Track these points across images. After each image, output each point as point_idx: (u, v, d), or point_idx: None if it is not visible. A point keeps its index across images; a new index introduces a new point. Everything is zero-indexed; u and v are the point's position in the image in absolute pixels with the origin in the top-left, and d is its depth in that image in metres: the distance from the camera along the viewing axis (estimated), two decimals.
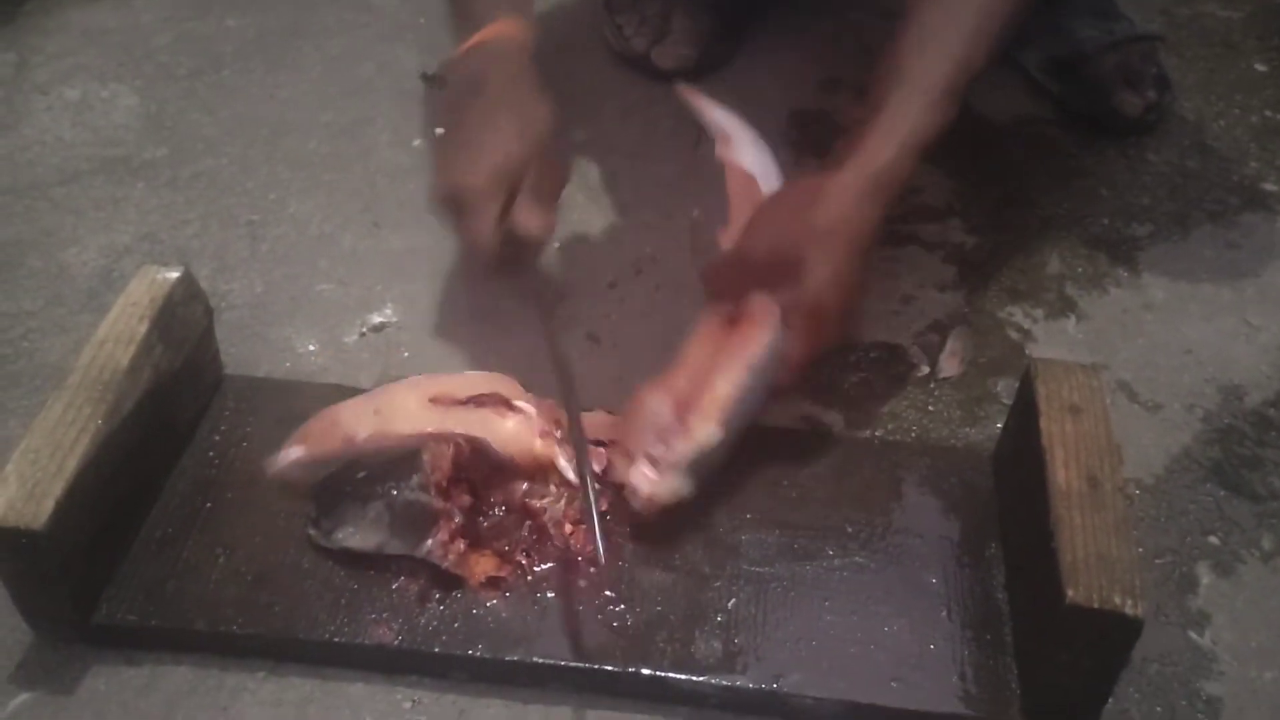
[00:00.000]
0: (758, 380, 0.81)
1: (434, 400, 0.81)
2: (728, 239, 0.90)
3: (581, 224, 1.10)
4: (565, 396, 0.83)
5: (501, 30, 0.93)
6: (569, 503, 0.80)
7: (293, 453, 0.81)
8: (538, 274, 0.93)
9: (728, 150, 0.99)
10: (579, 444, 0.80)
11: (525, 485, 0.80)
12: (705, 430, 0.79)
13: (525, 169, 0.87)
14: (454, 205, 0.87)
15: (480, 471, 0.80)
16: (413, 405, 0.81)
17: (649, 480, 0.79)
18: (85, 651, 0.77)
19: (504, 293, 1.00)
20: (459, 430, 0.79)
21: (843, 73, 1.28)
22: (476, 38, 0.93)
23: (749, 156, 0.97)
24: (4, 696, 0.75)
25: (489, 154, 0.87)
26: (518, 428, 0.80)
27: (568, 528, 0.79)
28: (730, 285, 0.87)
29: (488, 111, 0.89)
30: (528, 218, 0.86)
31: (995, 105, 1.26)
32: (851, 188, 0.84)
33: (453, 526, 0.77)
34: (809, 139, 1.20)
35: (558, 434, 0.81)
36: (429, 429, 0.79)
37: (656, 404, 0.81)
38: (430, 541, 0.76)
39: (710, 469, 0.81)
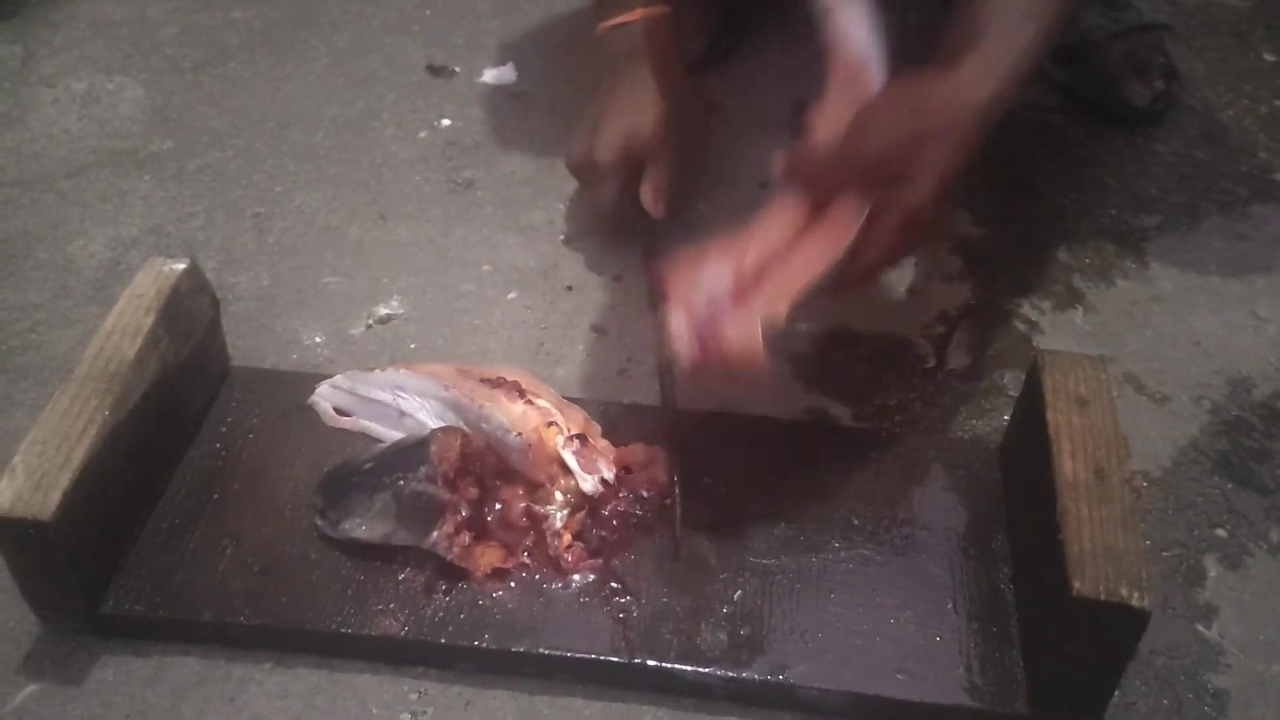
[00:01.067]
0: (825, 280, 0.77)
1: (460, 371, 0.85)
2: (824, 125, 0.84)
3: (589, 216, 1.10)
4: (663, 383, 0.89)
5: (650, 14, 1.02)
6: (571, 514, 0.79)
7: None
8: (653, 244, 1.01)
9: (837, 25, 0.88)
10: (671, 444, 0.83)
11: (527, 491, 0.80)
12: (773, 311, 0.74)
13: (652, 148, 1.00)
14: (584, 173, 1.02)
15: (488, 465, 0.80)
16: (439, 366, 0.87)
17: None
18: (93, 642, 0.77)
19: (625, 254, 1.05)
20: (469, 399, 0.82)
21: None
22: (625, 16, 1.02)
23: (861, 36, 0.87)
24: (12, 687, 0.75)
25: (620, 131, 0.99)
26: (526, 411, 0.80)
27: (566, 538, 0.79)
28: (825, 177, 0.81)
29: (627, 90, 1.01)
30: (647, 194, 1.00)
31: None
32: (970, 92, 0.81)
33: (458, 519, 0.77)
34: None
35: (571, 435, 0.81)
36: (445, 383, 0.84)
37: (716, 271, 0.76)
38: (436, 533, 0.76)
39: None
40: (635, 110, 1.00)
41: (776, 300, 0.74)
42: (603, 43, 1.04)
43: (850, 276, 0.79)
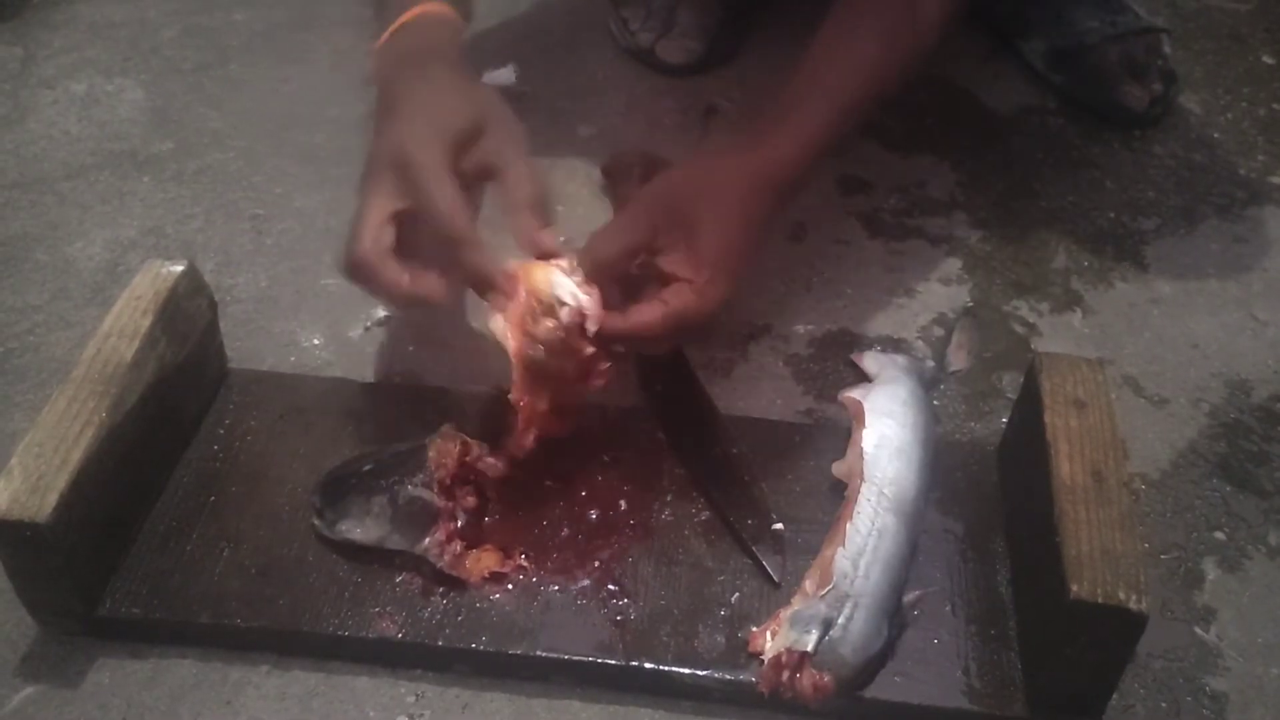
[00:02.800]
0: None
1: None
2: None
3: (587, 219, 1.10)
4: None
5: (430, 10, 0.87)
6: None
7: None
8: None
9: None
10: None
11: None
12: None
13: (471, 135, 0.79)
14: (402, 175, 0.78)
15: (488, 474, 0.81)
16: None
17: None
18: (89, 645, 0.77)
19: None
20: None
21: None
22: (405, 17, 0.87)
23: None
24: (8, 690, 0.75)
25: (429, 123, 0.79)
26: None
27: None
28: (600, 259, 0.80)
29: (407, 112, 0.81)
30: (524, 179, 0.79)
31: (998, 96, 1.26)
32: (752, 174, 0.83)
33: (450, 528, 0.77)
34: None
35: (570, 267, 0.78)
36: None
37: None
38: (428, 540, 0.76)
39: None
40: (438, 102, 0.80)
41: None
42: (383, 52, 0.86)
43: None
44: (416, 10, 0.87)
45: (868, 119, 0.97)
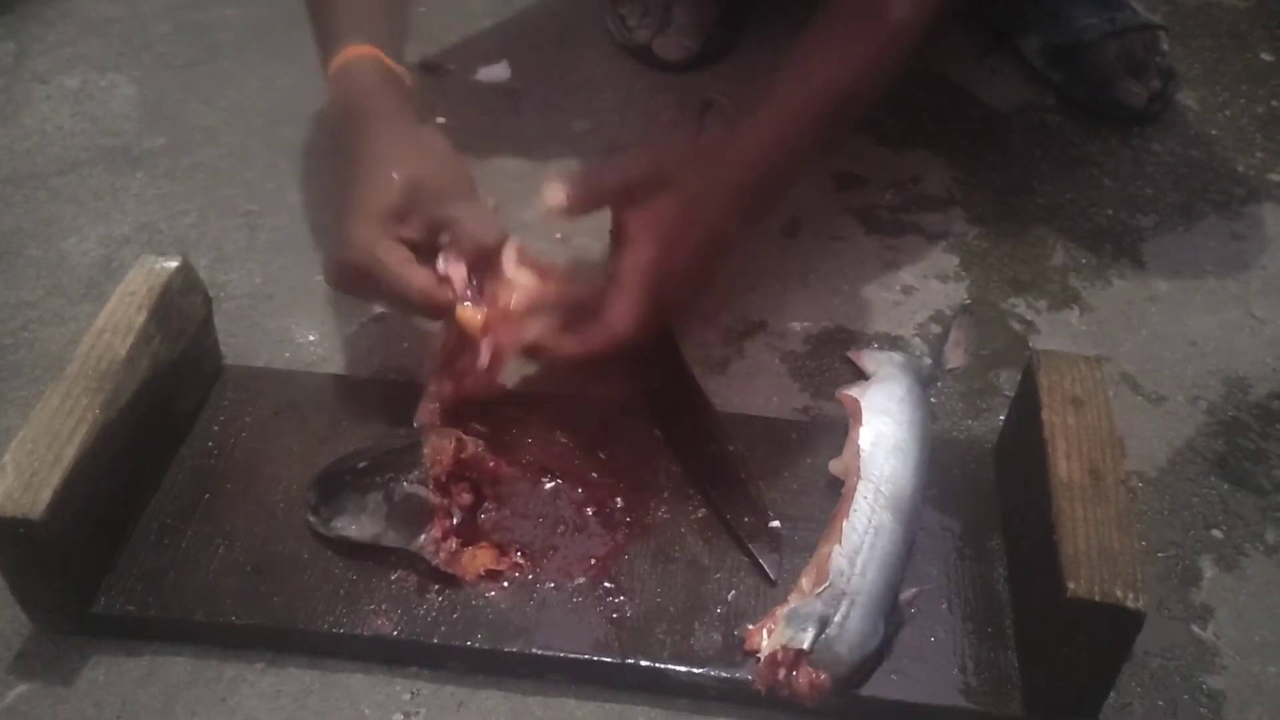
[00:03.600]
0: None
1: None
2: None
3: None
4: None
5: (361, 52, 0.85)
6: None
7: None
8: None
9: None
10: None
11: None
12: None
13: (431, 193, 0.80)
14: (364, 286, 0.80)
15: (484, 471, 0.80)
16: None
17: None
18: (84, 642, 0.77)
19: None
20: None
21: None
22: (339, 59, 0.85)
23: None
24: (3, 687, 0.74)
25: (381, 191, 0.79)
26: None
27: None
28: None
29: (359, 161, 0.81)
30: (476, 225, 0.80)
31: (996, 93, 1.26)
32: (705, 183, 0.86)
33: (446, 525, 0.76)
34: None
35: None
36: None
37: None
38: (424, 537, 0.76)
39: None
40: (392, 161, 0.80)
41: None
42: (332, 99, 0.86)
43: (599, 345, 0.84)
44: (349, 52, 0.85)
45: (845, 123, 0.97)
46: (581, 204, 0.85)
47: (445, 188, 0.81)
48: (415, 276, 0.77)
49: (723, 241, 0.88)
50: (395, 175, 0.79)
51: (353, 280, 0.80)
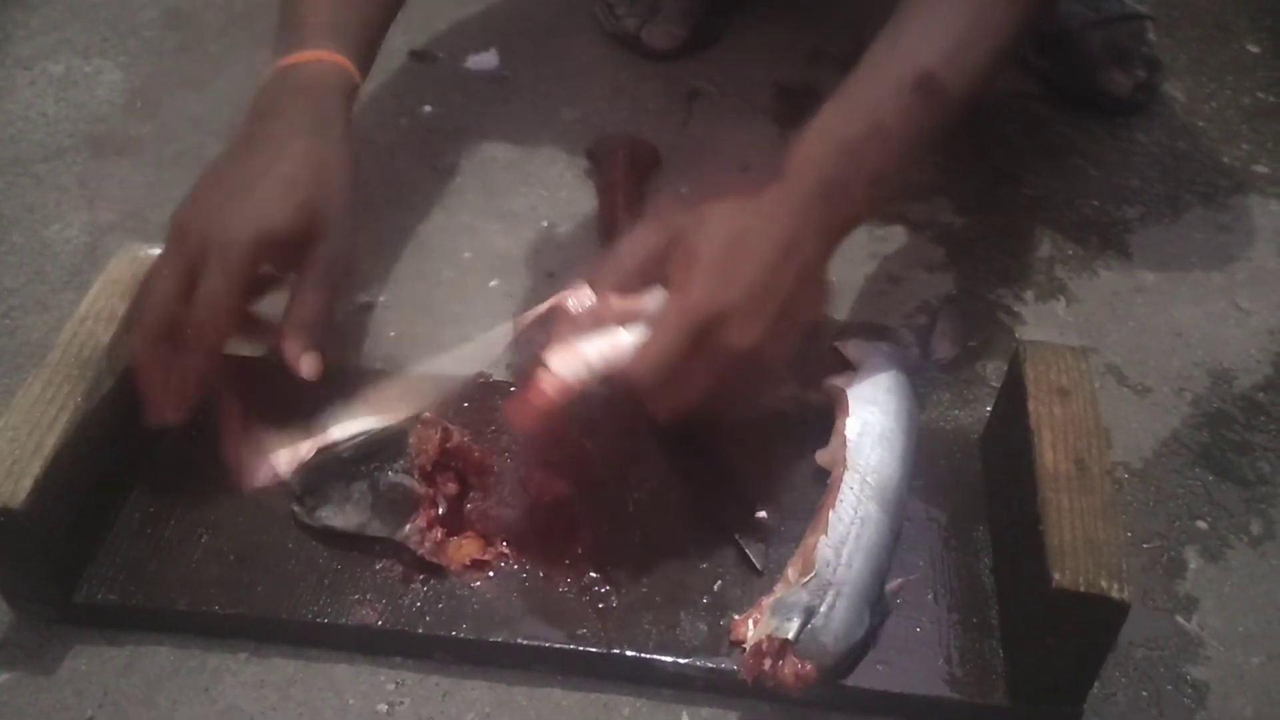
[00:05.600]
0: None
1: None
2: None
3: (571, 203, 1.09)
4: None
5: (319, 58, 0.83)
6: None
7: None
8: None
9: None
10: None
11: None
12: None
13: (299, 236, 0.77)
14: (189, 250, 0.75)
15: (470, 460, 0.80)
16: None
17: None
18: (66, 631, 0.76)
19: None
20: None
21: (831, 47, 1.28)
22: (295, 57, 0.83)
23: None
24: None
25: (263, 201, 0.76)
26: None
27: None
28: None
29: (268, 154, 0.78)
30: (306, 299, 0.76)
31: None
32: (790, 200, 0.72)
33: (431, 515, 0.76)
34: (793, 112, 1.20)
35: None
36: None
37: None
38: (409, 526, 0.76)
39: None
40: (287, 175, 0.77)
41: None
42: (263, 86, 0.84)
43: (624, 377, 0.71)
44: (309, 55, 0.83)
45: (977, 96, 0.79)
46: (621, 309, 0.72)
47: (321, 234, 0.78)
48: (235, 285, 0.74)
49: (807, 265, 0.72)
50: (292, 200, 0.77)
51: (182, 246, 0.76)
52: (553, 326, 0.73)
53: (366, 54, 0.90)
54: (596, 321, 0.72)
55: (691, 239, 0.71)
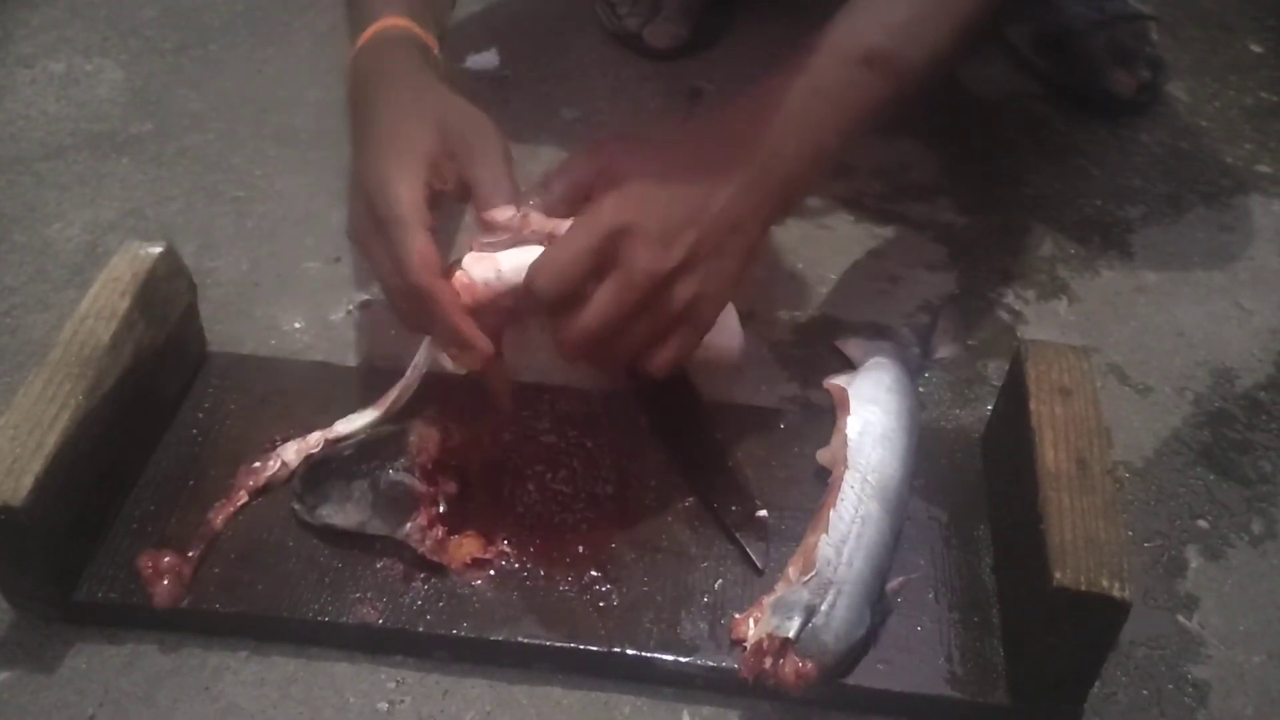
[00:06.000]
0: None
1: None
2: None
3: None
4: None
5: (395, 24, 0.81)
6: None
7: None
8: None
9: None
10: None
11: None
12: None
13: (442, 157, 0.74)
14: (363, 251, 0.73)
15: (470, 459, 0.80)
16: None
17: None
18: (66, 630, 0.76)
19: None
20: None
21: None
22: (371, 30, 0.81)
23: None
24: None
25: (371, 191, 0.72)
26: None
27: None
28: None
29: (370, 130, 0.75)
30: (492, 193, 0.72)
31: (984, 81, 1.26)
32: (726, 157, 0.72)
33: (432, 513, 0.76)
34: None
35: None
36: None
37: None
38: (409, 525, 0.76)
39: None
40: (412, 122, 0.74)
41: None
42: (348, 74, 0.82)
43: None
44: (381, 23, 0.82)
45: (934, 72, 0.79)
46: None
47: (476, 146, 0.75)
48: (422, 243, 0.70)
49: (737, 218, 0.72)
50: (431, 122, 0.74)
51: (363, 231, 0.73)
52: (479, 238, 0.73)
53: (436, 22, 0.88)
54: (517, 238, 0.72)
55: (619, 168, 0.71)
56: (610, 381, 0.88)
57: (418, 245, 0.70)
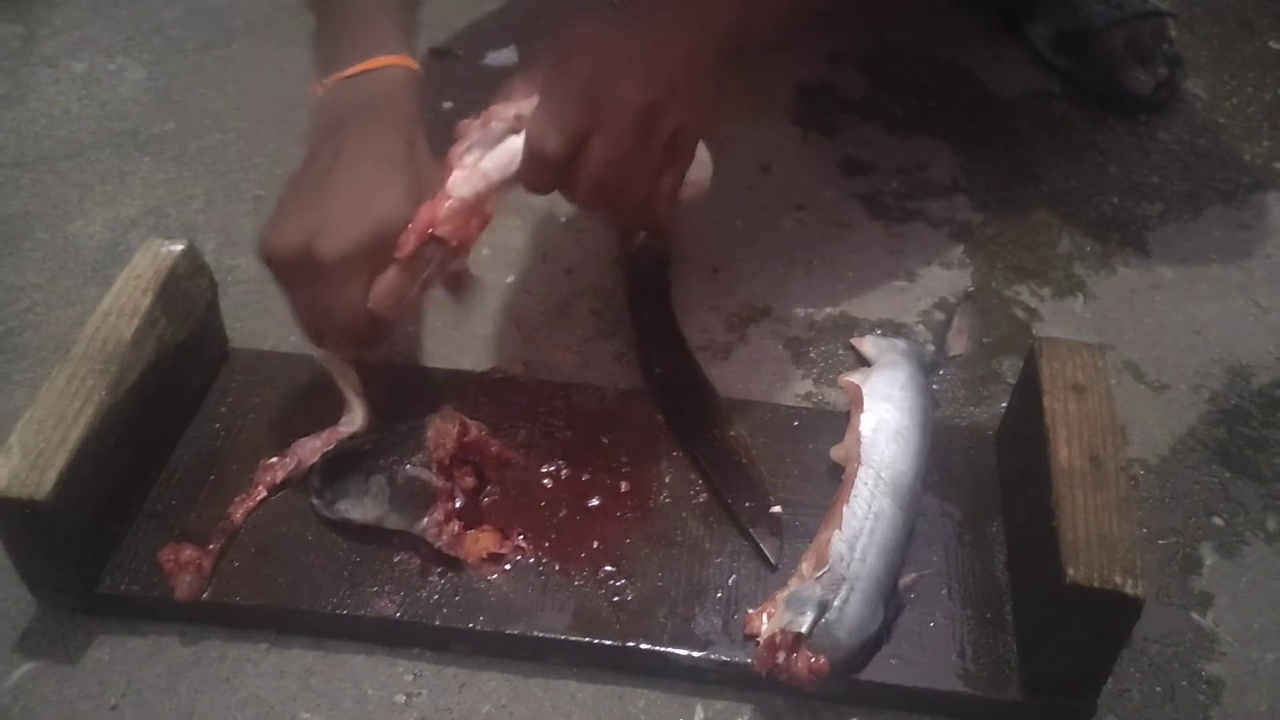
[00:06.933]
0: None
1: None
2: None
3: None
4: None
5: (395, 63, 0.80)
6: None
7: None
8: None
9: None
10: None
11: None
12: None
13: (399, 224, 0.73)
14: (307, 269, 0.73)
15: (487, 455, 0.81)
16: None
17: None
18: (89, 621, 0.77)
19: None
20: None
21: (849, 46, 1.28)
22: (363, 65, 0.79)
23: None
24: (8, 666, 0.75)
25: (367, 212, 0.72)
26: None
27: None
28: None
29: (368, 156, 0.75)
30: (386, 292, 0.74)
31: (1002, 80, 1.26)
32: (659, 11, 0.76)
33: (449, 508, 0.77)
34: (814, 112, 1.20)
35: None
36: None
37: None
38: (426, 519, 0.76)
39: None
40: (383, 185, 0.74)
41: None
42: (329, 98, 0.80)
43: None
44: (373, 62, 0.80)
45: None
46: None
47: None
48: (355, 297, 0.73)
49: (691, 52, 0.75)
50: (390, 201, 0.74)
51: (309, 251, 0.73)
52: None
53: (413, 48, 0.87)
54: (486, 134, 0.74)
55: (570, 39, 0.74)
56: (625, 242, 0.93)
57: (351, 297, 0.73)
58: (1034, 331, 0.99)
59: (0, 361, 0.94)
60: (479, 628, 0.75)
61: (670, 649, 0.74)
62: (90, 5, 1.34)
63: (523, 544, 0.78)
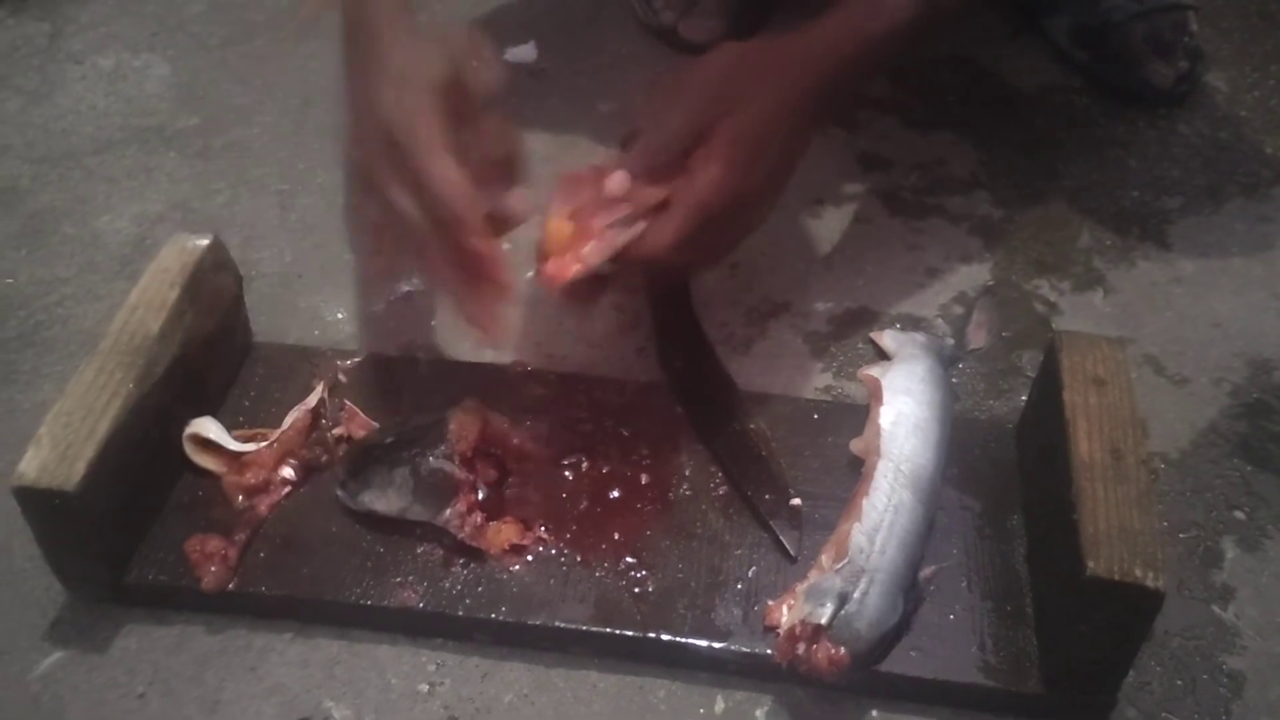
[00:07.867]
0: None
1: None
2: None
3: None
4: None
5: None
6: None
7: None
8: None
9: None
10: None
11: None
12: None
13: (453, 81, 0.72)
14: (395, 156, 0.70)
15: (509, 447, 0.82)
16: None
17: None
18: (117, 611, 0.78)
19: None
20: None
21: None
22: None
23: None
24: (38, 654, 0.76)
25: (419, 82, 0.71)
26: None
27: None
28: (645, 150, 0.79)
29: (383, 47, 0.74)
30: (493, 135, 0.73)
31: (1022, 74, 1.25)
32: (801, 54, 0.80)
33: (471, 499, 0.78)
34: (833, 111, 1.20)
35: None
36: None
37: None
38: (449, 511, 0.77)
39: None
40: (408, 56, 0.73)
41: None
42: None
43: (633, 257, 0.77)
44: None
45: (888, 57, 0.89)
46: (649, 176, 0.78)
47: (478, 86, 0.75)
48: (448, 167, 0.69)
49: (795, 155, 0.82)
50: (441, 50, 0.73)
51: (376, 159, 0.72)
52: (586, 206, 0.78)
53: None
54: (629, 217, 0.77)
55: (719, 129, 0.77)
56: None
57: (445, 168, 0.69)
58: (1054, 325, 0.99)
59: (29, 355, 0.95)
60: (501, 618, 0.75)
61: (690, 640, 0.74)
62: (116, 3, 1.35)
63: (544, 535, 0.79)
